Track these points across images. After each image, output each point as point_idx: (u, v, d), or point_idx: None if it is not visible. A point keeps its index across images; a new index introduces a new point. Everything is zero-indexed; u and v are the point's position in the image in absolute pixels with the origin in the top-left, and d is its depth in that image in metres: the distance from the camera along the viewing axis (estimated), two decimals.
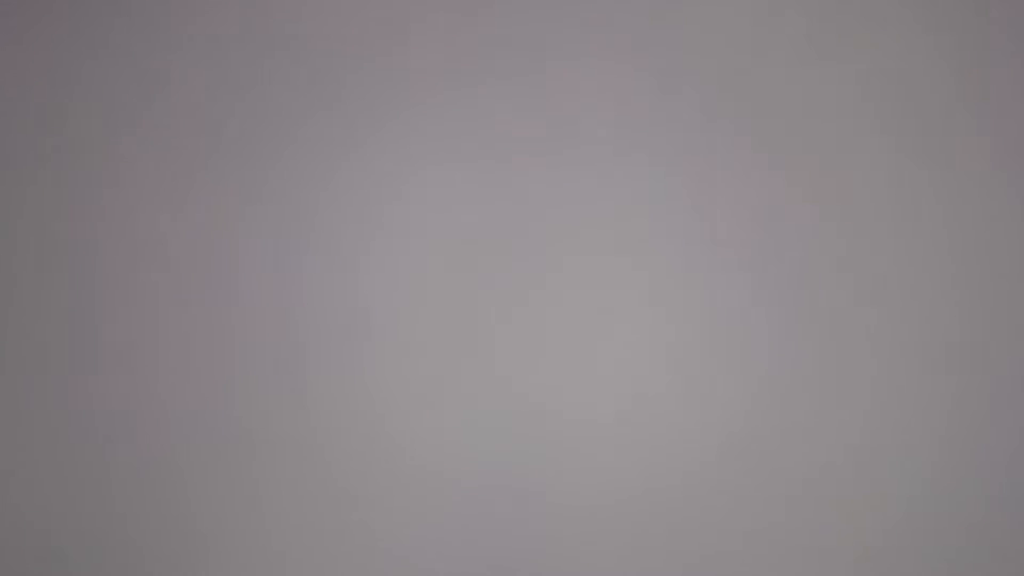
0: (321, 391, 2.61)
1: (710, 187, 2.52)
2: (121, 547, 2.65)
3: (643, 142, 2.54)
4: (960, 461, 2.43)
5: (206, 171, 2.68)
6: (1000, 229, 2.44)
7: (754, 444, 2.48)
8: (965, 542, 2.42)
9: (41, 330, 2.70)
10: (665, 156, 2.54)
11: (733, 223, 2.51)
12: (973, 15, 2.46)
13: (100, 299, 2.69)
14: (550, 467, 2.54)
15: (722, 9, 2.53)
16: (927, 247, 2.46)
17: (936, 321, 2.45)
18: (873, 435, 2.46)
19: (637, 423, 2.53)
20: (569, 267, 2.56)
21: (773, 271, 2.49)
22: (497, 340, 2.57)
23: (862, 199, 2.48)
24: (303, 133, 2.65)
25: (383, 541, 2.59)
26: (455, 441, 2.57)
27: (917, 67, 2.48)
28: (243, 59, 2.68)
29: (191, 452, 2.64)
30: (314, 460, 2.61)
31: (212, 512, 2.63)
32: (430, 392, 2.58)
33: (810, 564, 2.46)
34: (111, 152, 2.71)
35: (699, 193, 2.53)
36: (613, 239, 2.55)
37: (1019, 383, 2.42)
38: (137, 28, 2.71)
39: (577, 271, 2.56)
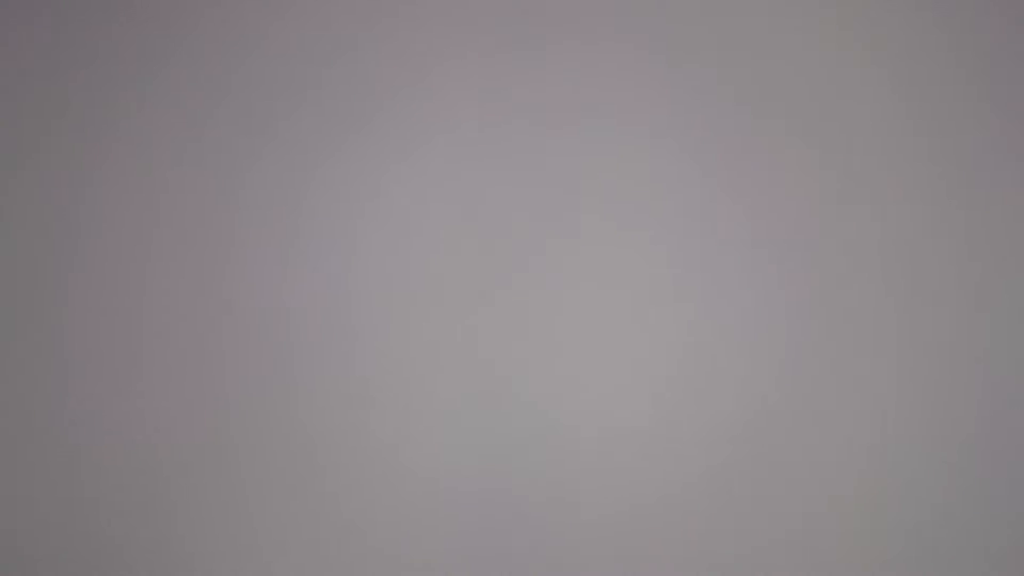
0: (311, 391, 2.62)
1: (719, 179, 2.54)
2: (106, 549, 2.66)
3: (652, 133, 2.56)
4: (977, 460, 2.44)
5: (192, 168, 2.69)
6: (1014, 223, 2.45)
7: (765, 443, 2.49)
8: (983, 544, 2.43)
9: (23, 330, 2.71)
10: (675, 150, 2.55)
11: (739, 214, 2.52)
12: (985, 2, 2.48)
13: (83, 299, 2.69)
14: (548, 469, 2.54)
15: None
16: (942, 239, 2.47)
17: (949, 316, 2.46)
18: (890, 433, 2.46)
19: (641, 425, 2.53)
20: (572, 264, 2.57)
21: (784, 262, 2.50)
22: (495, 340, 2.58)
23: (874, 189, 2.49)
24: (290, 129, 2.66)
25: (373, 543, 2.59)
26: (449, 443, 2.58)
27: (931, 52, 2.49)
28: (229, 52, 2.69)
29: (177, 453, 2.65)
30: (304, 462, 2.62)
31: (199, 512, 2.64)
32: (423, 393, 2.59)
33: (824, 567, 2.46)
34: (93, 149, 2.72)
35: (707, 184, 2.54)
36: (617, 234, 2.56)
37: None
38: (134, 26, 2.73)
39: (579, 267, 2.57)
